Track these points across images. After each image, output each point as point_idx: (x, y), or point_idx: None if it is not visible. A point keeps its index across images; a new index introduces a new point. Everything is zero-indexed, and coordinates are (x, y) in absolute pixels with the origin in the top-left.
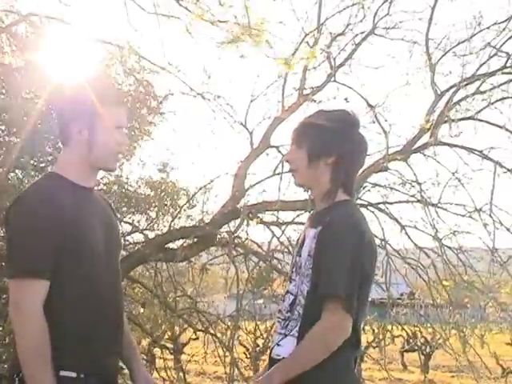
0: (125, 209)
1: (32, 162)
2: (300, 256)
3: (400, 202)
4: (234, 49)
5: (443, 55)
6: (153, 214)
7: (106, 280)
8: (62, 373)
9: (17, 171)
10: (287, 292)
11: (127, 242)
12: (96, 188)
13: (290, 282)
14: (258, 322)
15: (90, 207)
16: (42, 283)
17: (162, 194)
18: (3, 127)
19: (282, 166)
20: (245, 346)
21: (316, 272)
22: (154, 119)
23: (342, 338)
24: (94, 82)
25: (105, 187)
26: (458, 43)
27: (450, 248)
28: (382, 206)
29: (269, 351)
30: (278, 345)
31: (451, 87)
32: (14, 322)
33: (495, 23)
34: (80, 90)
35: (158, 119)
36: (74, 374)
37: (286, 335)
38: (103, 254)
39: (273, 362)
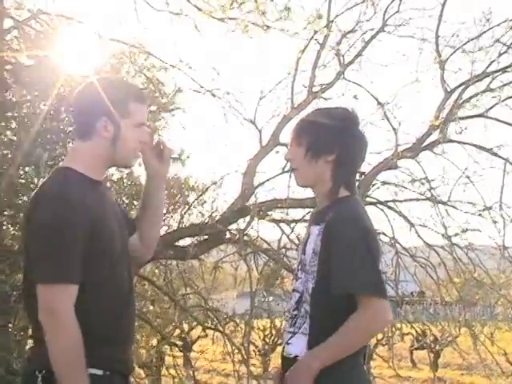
0: (134, 206)
1: (43, 159)
2: (304, 254)
3: (409, 199)
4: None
5: (453, 52)
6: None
7: (125, 278)
8: (90, 370)
9: (27, 168)
10: (293, 290)
11: None
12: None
13: (296, 280)
14: (269, 320)
15: (106, 203)
16: (75, 288)
17: (173, 191)
18: (14, 125)
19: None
20: (254, 344)
21: (327, 268)
22: (163, 116)
23: (387, 325)
24: (119, 79)
25: (115, 184)
26: (468, 40)
27: (459, 247)
28: (391, 204)
29: (281, 350)
30: (288, 343)
31: (461, 84)
32: (48, 326)
33: (505, 20)
34: (108, 86)
35: (168, 117)
36: (100, 372)
37: (294, 333)
38: (119, 254)
39: (285, 361)
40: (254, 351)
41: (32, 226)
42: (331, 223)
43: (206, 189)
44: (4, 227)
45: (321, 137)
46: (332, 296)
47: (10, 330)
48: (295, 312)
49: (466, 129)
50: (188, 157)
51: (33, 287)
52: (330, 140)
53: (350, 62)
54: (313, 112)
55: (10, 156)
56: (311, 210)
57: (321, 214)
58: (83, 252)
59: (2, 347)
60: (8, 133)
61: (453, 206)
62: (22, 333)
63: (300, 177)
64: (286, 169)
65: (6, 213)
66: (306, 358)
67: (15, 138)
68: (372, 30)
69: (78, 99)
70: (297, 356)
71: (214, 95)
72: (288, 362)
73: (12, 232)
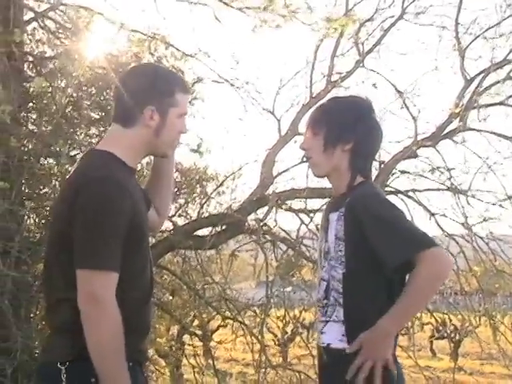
0: None
1: (64, 150)
2: (327, 241)
3: (429, 189)
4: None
5: (473, 40)
6: (181, 201)
7: (149, 269)
8: None
9: (48, 160)
10: (321, 279)
11: None
12: None
13: (321, 269)
14: (287, 310)
15: (138, 190)
16: (117, 276)
17: (192, 181)
18: (35, 115)
19: None
20: (273, 333)
21: (363, 248)
22: None
23: (451, 266)
24: (165, 68)
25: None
26: (488, 27)
27: (479, 236)
28: (410, 194)
29: (316, 340)
30: (322, 332)
31: (481, 72)
32: (89, 313)
33: None
34: (155, 73)
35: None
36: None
37: (327, 322)
38: (148, 243)
39: (321, 350)
40: (273, 340)
41: (76, 211)
42: (353, 204)
43: (225, 179)
44: (26, 218)
45: (337, 126)
46: (367, 277)
47: (32, 319)
48: (325, 301)
49: (488, 116)
50: (207, 149)
51: (54, 275)
52: (346, 129)
53: (369, 51)
54: (328, 101)
55: (30, 147)
56: (329, 199)
57: (338, 201)
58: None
59: (26, 335)
60: (29, 124)
61: (473, 196)
62: (43, 322)
63: (316, 167)
64: (304, 158)
65: (27, 204)
66: (383, 321)
67: (36, 129)
68: (391, 17)
69: (123, 84)
70: (330, 344)
71: (232, 85)
72: (323, 350)
73: (33, 223)
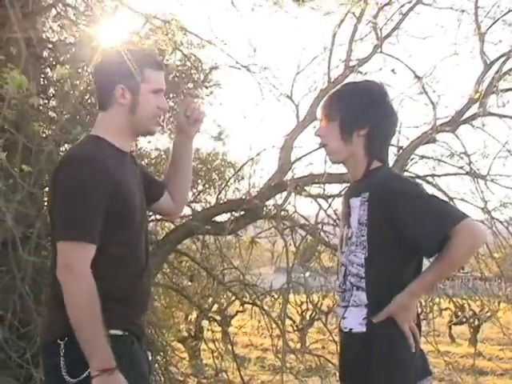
0: None
1: (81, 136)
2: (349, 227)
3: (448, 174)
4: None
5: (493, 23)
6: (199, 187)
7: (141, 246)
8: (110, 332)
9: (66, 146)
10: (341, 265)
11: None
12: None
13: (341, 255)
14: (306, 295)
15: (129, 172)
16: (92, 247)
17: (210, 167)
18: (55, 102)
19: None
20: (292, 319)
21: (389, 232)
22: (200, 93)
23: (485, 233)
24: (135, 48)
25: (153, 161)
26: (509, 11)
27: (499, 221)
28: (429, 179)
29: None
30: (344, 318)
31: (501, 56)
32: (65, 283)
33: None
34: (123, 54)
35: (205, 93)
36: (120, 332)
37: (346, 307)
38: (139, 220)
39: (343, 335)
40: (291, 326)
41: (54, 187)
42: (377, 188)
43: (243, 164)
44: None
45: (352, 112)
46: (391, 260)
47: None
48: (344, 286)
49: (508, 102)
50: (227, 136)
51: (52, 254)
52: (361, 114)
53: (388, 35)
54: (341, 87)
55: (49, 133)
56: (348, 184)
57: (357, 187)
58: (104, 214)
59: None
60: (49, 111)
61: (492, 180)
62: None
63: (333, 153)
64: (320, 145)
65: (46, 190)
66: (413, 286)
67: (54, 116)
68: (410, 2)
69: (96, 71)
70: (351, 329)
71: (250, 71)
72: (346, 336)
73: None
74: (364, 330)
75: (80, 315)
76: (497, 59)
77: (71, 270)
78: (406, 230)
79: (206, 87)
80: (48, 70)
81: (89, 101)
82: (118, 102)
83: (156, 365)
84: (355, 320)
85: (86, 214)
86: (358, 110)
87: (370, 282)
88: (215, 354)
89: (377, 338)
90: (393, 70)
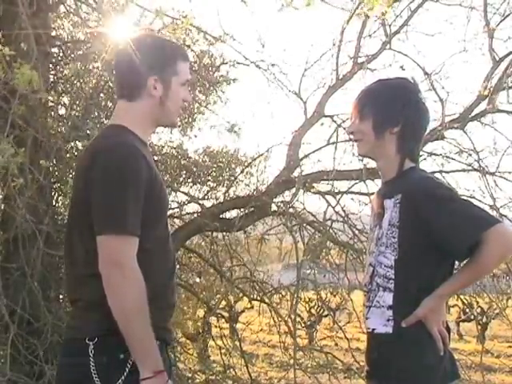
0: (182, 178)
1: (93, 133)
2: (381, 228)
3: (457, 170)
4: None
5: (502, 20)
6: (209, 184)
7: (171, 252)
8: None
9: (77, 143)
10: (369, 265)
11: (184, 212)
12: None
13: (370, 255)
14: (315, 292)
15: (153, 163)
16: (137, 240)
17: (220, 164)
18: (67, 99)
19: (337, 135)
20: (300, 316)
21: (422, 234)
22: (212, 89)
23: None
24: (163, 37)
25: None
26: None
27: (508, 218)
28: (438, 175)
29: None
30: (367, 318)
31: (510, 53)
32: (113, 279)
33: None
34: (154, 44)
35: (215, 89)
36: (157, 343)
37: (369, 307)
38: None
39: (368, 335)
40: (299, 323)
41: (95, 175)
42: (410, 191)
43: (252, 161)
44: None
45: (385, 109)
46: (421, 263)
47: (62, 300)
48: (370, 286)
49: None
50: (240, 128)
51: (77, 250)
52: (394, 112)
53: (396, 32)
54: (374, 84)
55: (60, 131)
56: (356, 181)
57: (391, 187)
58: (143, 205)
59: (56, 317)
60: (59, 107)
61: (501, 177)
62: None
63: (364, 147)
64: (331, 140)
65: (55, 186)
66: (442, 290)
67: (65, 113)
68: None
69: (123, 59)
70: (374, 329)
71: (258, 67)
72: (369, 335)
73: (61, 205)
74: (390, 331)
75: (132, 315)
76: (506, 56)
77: (118, 264)
78: (437, 234)
79: (217, 84)
80: (58, 67)
81: (99, 98)
82: (148, 93)
83: None
84: (378, 321)
85: (128, 204)
86: (391, 108)
87: (399, 284)
88: (223, 351)
89: (403, 339)
90: (402, 67)
